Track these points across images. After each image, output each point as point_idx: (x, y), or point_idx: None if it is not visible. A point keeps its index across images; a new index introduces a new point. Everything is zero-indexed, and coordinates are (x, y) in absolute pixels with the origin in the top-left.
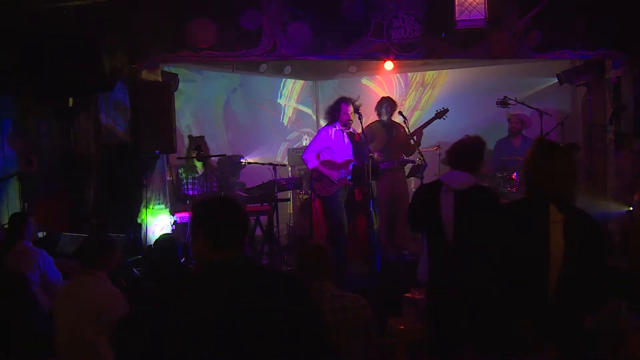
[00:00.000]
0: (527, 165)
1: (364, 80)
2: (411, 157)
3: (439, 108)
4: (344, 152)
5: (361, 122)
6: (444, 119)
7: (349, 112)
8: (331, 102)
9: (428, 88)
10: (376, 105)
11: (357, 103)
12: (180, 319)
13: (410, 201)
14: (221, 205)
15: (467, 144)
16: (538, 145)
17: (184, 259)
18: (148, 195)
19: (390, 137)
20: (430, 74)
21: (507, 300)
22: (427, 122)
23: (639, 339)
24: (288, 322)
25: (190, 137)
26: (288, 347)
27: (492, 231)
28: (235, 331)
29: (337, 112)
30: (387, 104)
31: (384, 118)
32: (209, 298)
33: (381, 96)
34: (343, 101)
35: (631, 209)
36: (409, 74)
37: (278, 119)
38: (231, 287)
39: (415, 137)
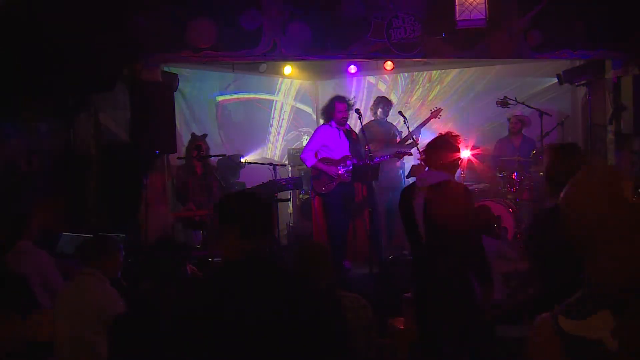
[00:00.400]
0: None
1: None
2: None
3: (433, 108)
4: (340, 149)
5: (361, 122)
6: (439, 118)
7: (344, 110)
8: (326, 101)
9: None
10: (371, 105)
11: (350, 101)
12: (203, 312)
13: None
14: (246, 198)
15: (432, 142)
16: (566, 147)
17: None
18: (148, 195)
19: (388, 136)
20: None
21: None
22: (423, 122)
23: None
24: (310, 324)
25: (193, 135)
26: (307, 347)
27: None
28: (255, 329)
29: (331, 111)
30: (383, 104)
31: (381, 118)
32: (232, 294)
33: (378, 96)
34: (337, 100)
35: None
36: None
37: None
38: (255, 285)
39: (414, 137)
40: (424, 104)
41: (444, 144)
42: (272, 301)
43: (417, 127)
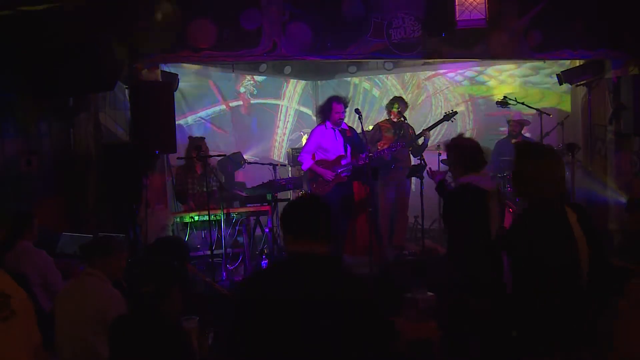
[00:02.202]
0: (527, 175)
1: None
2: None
3: (448, 110)
4: (336, 149)
5: (361, 122)
6: (452, 121)
7: (341, 111)
8: (323, 101)
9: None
10: (387, 104)
11: (347, 100)
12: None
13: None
14: (302, 203)
15: (474, 145)
16: (530, 149)
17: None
18: (148, 195)
19: (398, 136)
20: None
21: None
22: (434, 123)
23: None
24: (349, 321)
25: (190, 137)
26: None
27: (515, 243)
28: (300, 321)
29: (328, 111)
30: (398, 104)
31: (396, 117)
32: (278, 286)
33: (394, 95)
34: (334, 100)
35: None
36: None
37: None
38: (298, 279)
39: (424, 137)
40: (413, 107)
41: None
42: (313, 298)
43: (429, 127)
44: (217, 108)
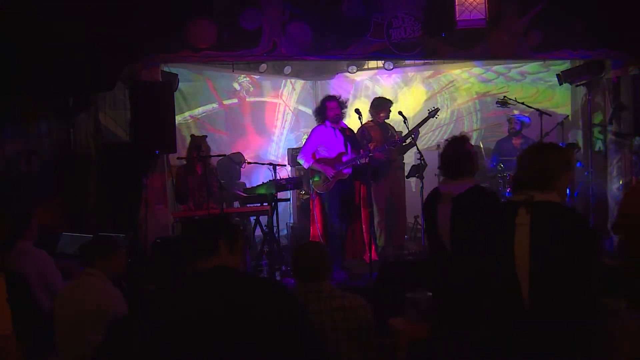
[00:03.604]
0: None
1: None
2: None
3: (430, 107)
4: (336, 147)
5: (361, 122)
6: (436, 117)
7: (335, 107)
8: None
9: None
10: (375, 105)
11: (341, 99)
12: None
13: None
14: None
15: (457, 152)
16: (528, 147)
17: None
18: (148, 195)
19: (386, 137)
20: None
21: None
22: (420, 122)
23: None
24: (272, 328)
25: (192, 136)
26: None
27: (471, 236)
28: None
29: (324, 111)
30: (381, 105)
31: (378, 119)
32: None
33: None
34: (327, 99)
35: None
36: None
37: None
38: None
39: (413, 136)
40: (417, 106)
41: (473, 152)
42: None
43: (415, 126)
44: (209, 106)
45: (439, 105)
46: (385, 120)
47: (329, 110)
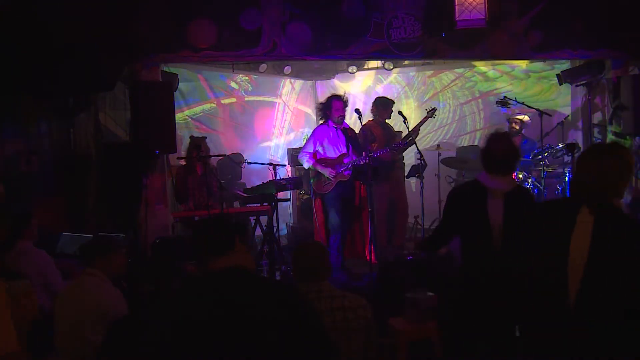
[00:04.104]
0: (575, 166)
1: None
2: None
3: (428, 107)
4: (338, 148)
5: (361, 122)
6: (434, 117)
7: (341, 108)
8: (323, 100)
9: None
10: (377, 105)
11: (345, 98)
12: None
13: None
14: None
15: (507, 148)
16: (588, 148)
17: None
18: (148, 195)
19: (388, 136)
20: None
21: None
22: (420, 121)
23: None
24: (286, 329)
25: (192, 136)
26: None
27: (525, 232)
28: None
29: (329, 109)
30: (383, 105)
31: (381, 118)
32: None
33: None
34: (334, 98)
35: None
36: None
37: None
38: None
39: (412, 136)
40: (420, 105)
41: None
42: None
43: (415, 127)
44: (206, 106)
45: (440, 105)
46: (386, 121)
47: (335, 110)
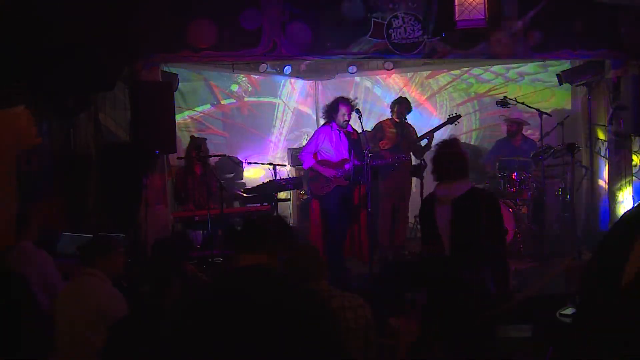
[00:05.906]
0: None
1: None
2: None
3: (452, 113)
4: (340, 151)
5: (361, 122)
6: (456, 124)
7: (347, 113)
8: (330, 100)
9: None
10: (391, 104)
11: (354, 102)
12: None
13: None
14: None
15: (451, 154)
16: None
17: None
18: (148, 195)
19: (401, 136)
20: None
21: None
22: (438, 126)
23: None
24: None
25: (192, 137)
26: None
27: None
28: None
29: (334, 112)
30: (398, 106)
31: (398, 118)
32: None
33: (399, 96)
34: (341, 101)
35: None
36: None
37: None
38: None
39: (428, 138)
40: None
41: (465, 153)
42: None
43: (431, 130)
44: (207, 106)
45: (438, 105)
46: (405, 120)
47: (340, 114)
